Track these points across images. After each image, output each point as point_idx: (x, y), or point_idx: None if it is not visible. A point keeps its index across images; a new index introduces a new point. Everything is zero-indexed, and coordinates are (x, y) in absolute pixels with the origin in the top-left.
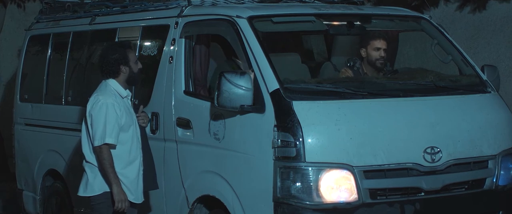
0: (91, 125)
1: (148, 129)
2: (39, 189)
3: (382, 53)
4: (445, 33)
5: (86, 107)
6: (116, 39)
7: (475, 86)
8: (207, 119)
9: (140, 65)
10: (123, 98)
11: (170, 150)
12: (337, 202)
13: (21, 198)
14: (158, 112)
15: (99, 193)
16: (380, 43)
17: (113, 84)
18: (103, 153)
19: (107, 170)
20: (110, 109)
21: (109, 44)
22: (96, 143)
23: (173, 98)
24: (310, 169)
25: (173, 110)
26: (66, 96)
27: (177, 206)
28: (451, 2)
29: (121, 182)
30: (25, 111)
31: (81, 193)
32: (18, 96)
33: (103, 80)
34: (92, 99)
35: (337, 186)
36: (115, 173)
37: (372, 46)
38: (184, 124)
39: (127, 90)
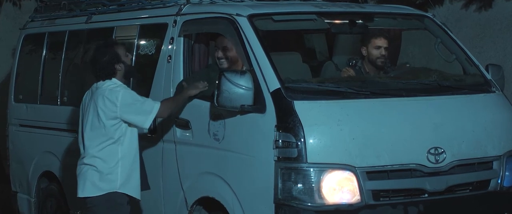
0: (127, 112)
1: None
2: (34, 191)
3: (383, 52)
4: (448, 32)
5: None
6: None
7: (480, 86)
8: (206, 119)
9: (130, 56)
10: None
11: (168, 151)
12: (339, 204)
13: (16, 201)
14: None
15: (102, 193)
16: (381, 42)
17: (115, 81)
18: (162, 111)
19: (176, 100)
20: (130, 89)
21: (96, 48)
22: (151, 117)
23: None
24: (311, 170)
25: None
26: (62, 96)
27: (175, 208)
28: (457, 0)
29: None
30: (19, 112)
31: (86, 193)
32: (12, 96)
33: (102, 81)
34: (107, 94)
35: (339, 187)
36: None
37: (373, 44)
38: (183, 124)
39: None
